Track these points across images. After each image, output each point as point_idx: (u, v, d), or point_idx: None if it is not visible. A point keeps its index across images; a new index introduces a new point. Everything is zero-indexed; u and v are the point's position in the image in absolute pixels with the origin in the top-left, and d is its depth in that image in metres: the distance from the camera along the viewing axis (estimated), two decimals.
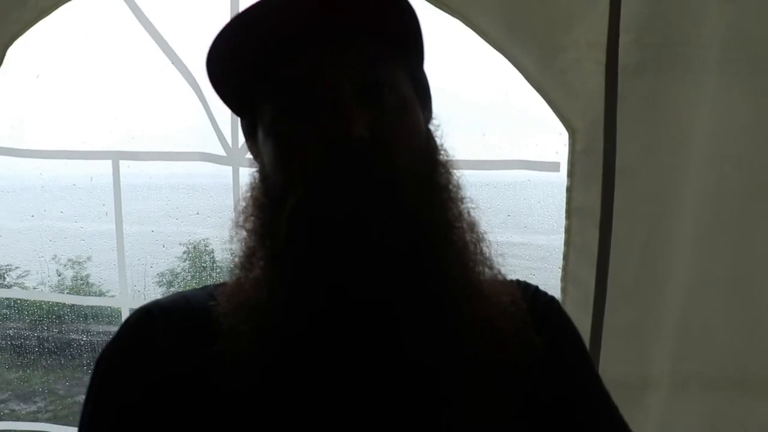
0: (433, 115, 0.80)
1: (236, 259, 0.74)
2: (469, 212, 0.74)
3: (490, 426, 0.71)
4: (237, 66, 0.71)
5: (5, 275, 2.94)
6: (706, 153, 1.31)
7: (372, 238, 0.65)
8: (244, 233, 0.74)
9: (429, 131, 0.77)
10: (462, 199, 0.74)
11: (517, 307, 0.74)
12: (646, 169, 1.35)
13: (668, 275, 1.36)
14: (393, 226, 0.66)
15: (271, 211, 0.70)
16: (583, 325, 1.40)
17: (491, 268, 0.74)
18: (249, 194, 0.75)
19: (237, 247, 0.74)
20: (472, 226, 0.74)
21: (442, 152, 0.75)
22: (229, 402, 0.68)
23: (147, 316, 0.75)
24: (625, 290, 1.38)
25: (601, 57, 1.34)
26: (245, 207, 0.75)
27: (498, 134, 1.57)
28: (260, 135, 0.74)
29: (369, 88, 0.69)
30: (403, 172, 0.68)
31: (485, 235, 0.74)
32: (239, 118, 0.81)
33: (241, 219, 0.74)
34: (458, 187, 0.74)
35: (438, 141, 0.77)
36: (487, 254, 0.74)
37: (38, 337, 2.31)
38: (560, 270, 1.44)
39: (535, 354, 0.73)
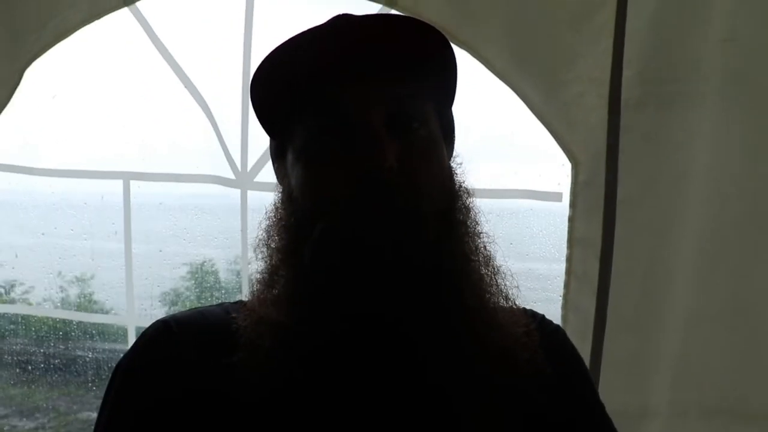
0: (455, 152, 0.83)
1: (258, 276, 0.76)
2: (485, 246, 0.76)
3: None
4: (276, 87, 0.73)
5: (10, 291, 2.96)
6: (706, 185, 1.34)
7: (396, 266, 0.67)
8: (267, 251, 0.76)
9: (451, 167, 0.80)
10: (479, 234, 0.76)
11: (530, 337, 0.76)
12: (647, 201, 1.38)
13: (668, 305, 1.37)
14: (417, 256, 0.68)
15: (297, 232, 0.72)
16: (583, 354, 1.39)
17: (506, 299, 0.77)
18: (273, 214, 0.77)
19: (260, 264, 0.76)
20: (488, 259, 0.76)
21: (462, 188, 0.78)
22: (245, 416, 0.70)
23: (164, 329, 0.77)
24: (625, 320, 1.40)
25: (604, 91, 1.38)
26: (269, 226, 0.77)
27: (502, 164, 1.60)
28: (290, 157, 0.76)
29: (400, 119, 0.72)
30: (427, 204, 0.70)
31: (500, 268, 0.77)
32: (269, 140, 0.83)
33: (266, 237, 0.76)
34: (476, 222, 0.77)
35: (459, 177, 0.79)
36: (502, 286, 0.76)
37: (43, 353, 2.32)
38: (561, 298, 1.46)
39: (543, 382, 0.75)
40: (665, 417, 1.39)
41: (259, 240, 0.77)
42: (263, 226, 0.78)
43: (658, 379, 1.39)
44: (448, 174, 0.77)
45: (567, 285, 1.45)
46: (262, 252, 0.76)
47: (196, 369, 0.72)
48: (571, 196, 1.44)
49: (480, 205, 0.79)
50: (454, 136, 0.83)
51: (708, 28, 1.32)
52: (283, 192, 0.78)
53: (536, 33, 1.42)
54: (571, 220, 1.44)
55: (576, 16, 1.39)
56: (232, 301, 0.85)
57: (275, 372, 0.69)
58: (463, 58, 1.43)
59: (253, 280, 0.77)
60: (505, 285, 0.76)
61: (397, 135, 0.71)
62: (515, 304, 0.77)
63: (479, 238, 0.76)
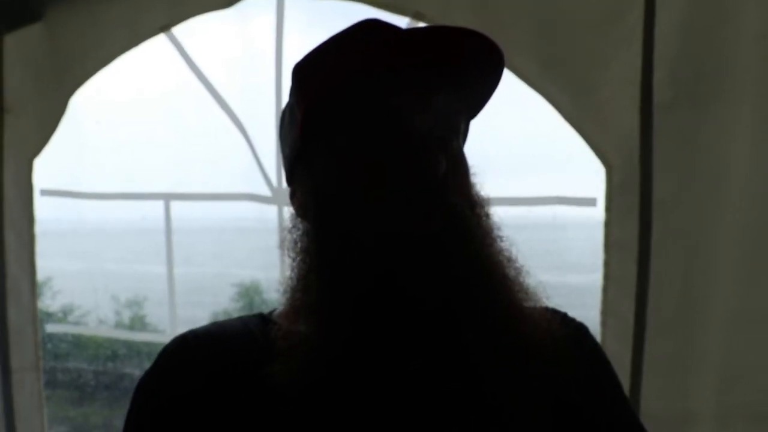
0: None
1: (289, 281, 0.75)
2: (506, 248, 0.77)
3: None
4: (327, 83, 0.72)
5: (67, 315, 3.05)
6: (743, 184, 1.31)
7: (439, 269, 0.69)
8: (300, 256, 0.75)
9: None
10: (500, 237, 0.77)
11: (553, 329, 0.76)
12: (683, 203, 1.36)
13: (708, 307, 1.34)
14: (455, 257, 0.70)
15: (333, 237, 0.72)
16: (624, 359, 1.39)
17: (527, 293, 0.77)
18: (300, 213, 0.77)
19: (290, 269, 0.75)
20: (510, 260, 0.77)
21: (482, 195, 0.79)
22: (267, 419, 0.71)
23: (183, 344, 0.78)
24: (665, 323, 1.37)
25: (635, 93, 1.36)
26: (297, 228, 0.76)
27: (535, 171, 1.59)
28: (325, 156, 0.75)
29: (441, 130, 0.73)
30: (465, 210, 0.72)
31: (522, 268, 0.77)
32: (288, 140, 0.81)
33: (294, 241, 0.76)
34: (498, 226, 0.78)
35: (479, 185, 0.80)
36: (525, 283, 0.77)
37: (94, 371, 2.39)
38: (599, 304, 1.44)
39: (568, 375, 0.75)
40: (711, 422, 1.35)
41: (287, 243, 0.77)
42: (292, 229, 0.77)
43: (701, 383, 1.35)
44: (473, 182, 0.79)
45: (605, 290, 1.43)
46: (292, 257, 0.77)
47: (215, 379, 0.73)
48: (606, 200, 1.43)
49: (514, 214, 0.80)
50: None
51: (741, 25, 1.30)
52: (308, 193, 0.77)
53: (565, 38, 1.42)
54: (606, 224, 1.42)
55: (604, 19, 1.38)
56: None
57: (304, 379, 0.69)
58: None
59: (285, 287, 0.77)
60: (527, 282, 0.77)
61: (439, 144, 0.72)
62: (539, 301, 0.78)
63: (501, 240, 0.77)
